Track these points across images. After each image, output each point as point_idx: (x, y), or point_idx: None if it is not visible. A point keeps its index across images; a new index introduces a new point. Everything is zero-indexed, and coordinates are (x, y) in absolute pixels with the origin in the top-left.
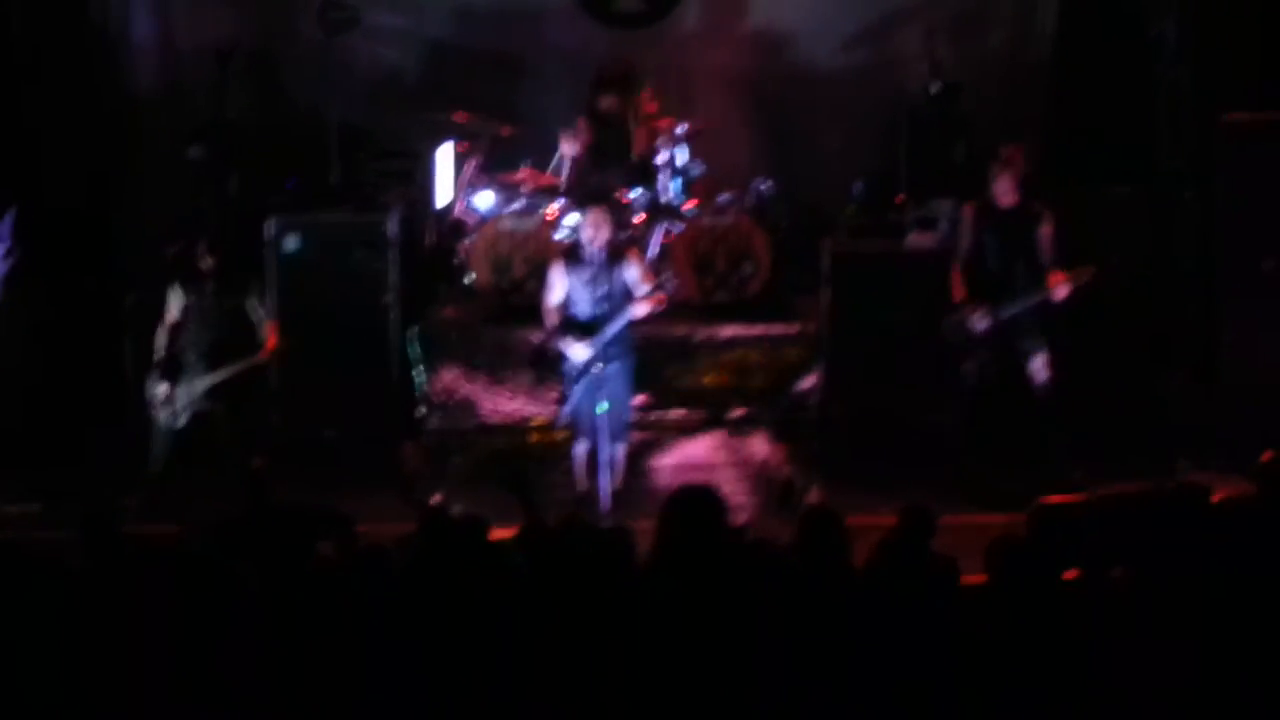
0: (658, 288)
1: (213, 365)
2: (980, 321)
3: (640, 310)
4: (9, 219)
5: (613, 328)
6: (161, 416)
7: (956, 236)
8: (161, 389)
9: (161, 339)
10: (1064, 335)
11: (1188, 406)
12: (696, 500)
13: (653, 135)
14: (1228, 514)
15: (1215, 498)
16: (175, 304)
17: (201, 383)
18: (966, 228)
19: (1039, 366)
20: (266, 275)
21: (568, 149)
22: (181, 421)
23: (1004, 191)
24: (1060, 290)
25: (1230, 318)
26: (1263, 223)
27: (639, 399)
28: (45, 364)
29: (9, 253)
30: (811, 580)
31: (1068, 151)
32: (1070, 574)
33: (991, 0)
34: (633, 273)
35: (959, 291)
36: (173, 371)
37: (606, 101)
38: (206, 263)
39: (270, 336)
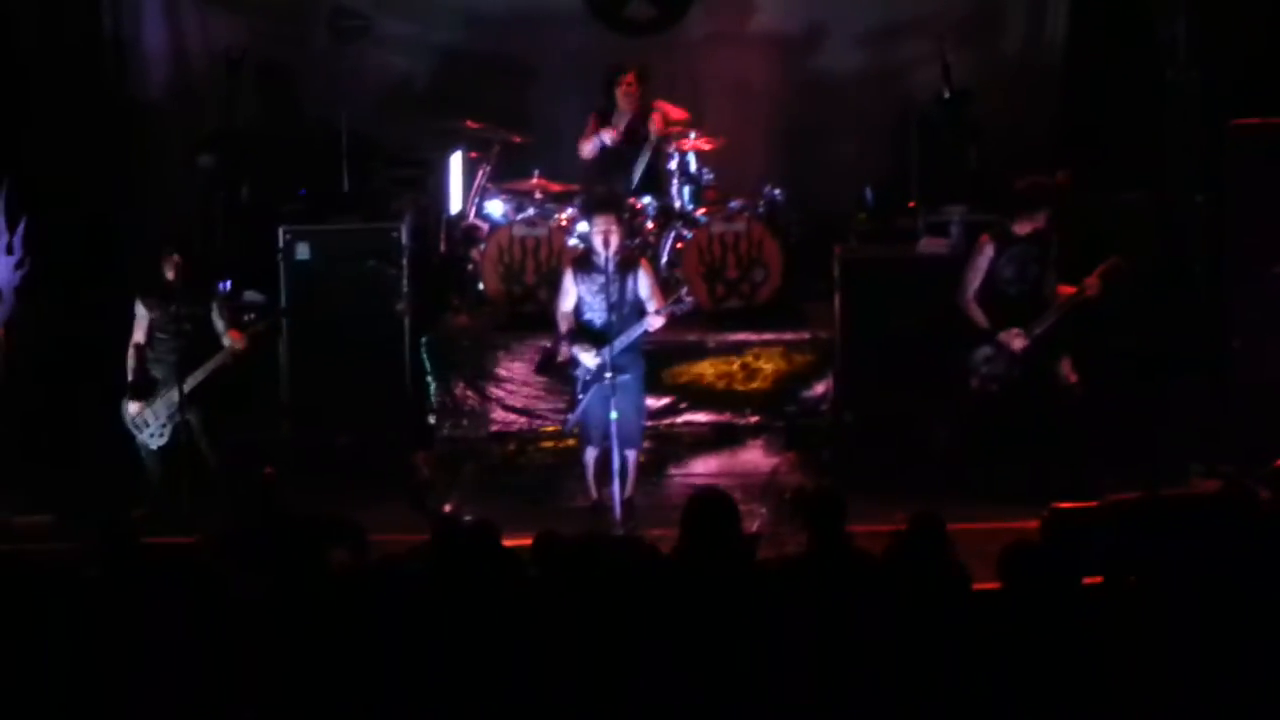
0: (676, 302)
1: (182, 375)
2: (1018, 341)
3: (654, 324)
4: (20, 229)
5: (625, 338)
6: (140, 437)
7: (967, 268)
8: (134, 411)
9: (131, 360)
10: (1076, 340)
11: (1199, 411)
12: (713, 504)
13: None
14: (1241, 520)
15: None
16: (141, 321)
17: (174, 394)
18: (984, 260)
19: (1067, 370)
20: (279, 283)
21: (607, 137)
22: (162, 438)
23: (1040, 222)
24: (1090, 283)
25: (1240, 322)
26: (1272, 227)
27: (650, 406)
28: (56, 374)
29: (21, 263)
30: (826, 585)
31: (1078, 156)
32: (1084, 580)
33: (1002, 6)
34: (644, 282)
35: (983, 322)
36: (143, 391)
37: (630, 91)
38: (171, 274)
39: (234, 335)
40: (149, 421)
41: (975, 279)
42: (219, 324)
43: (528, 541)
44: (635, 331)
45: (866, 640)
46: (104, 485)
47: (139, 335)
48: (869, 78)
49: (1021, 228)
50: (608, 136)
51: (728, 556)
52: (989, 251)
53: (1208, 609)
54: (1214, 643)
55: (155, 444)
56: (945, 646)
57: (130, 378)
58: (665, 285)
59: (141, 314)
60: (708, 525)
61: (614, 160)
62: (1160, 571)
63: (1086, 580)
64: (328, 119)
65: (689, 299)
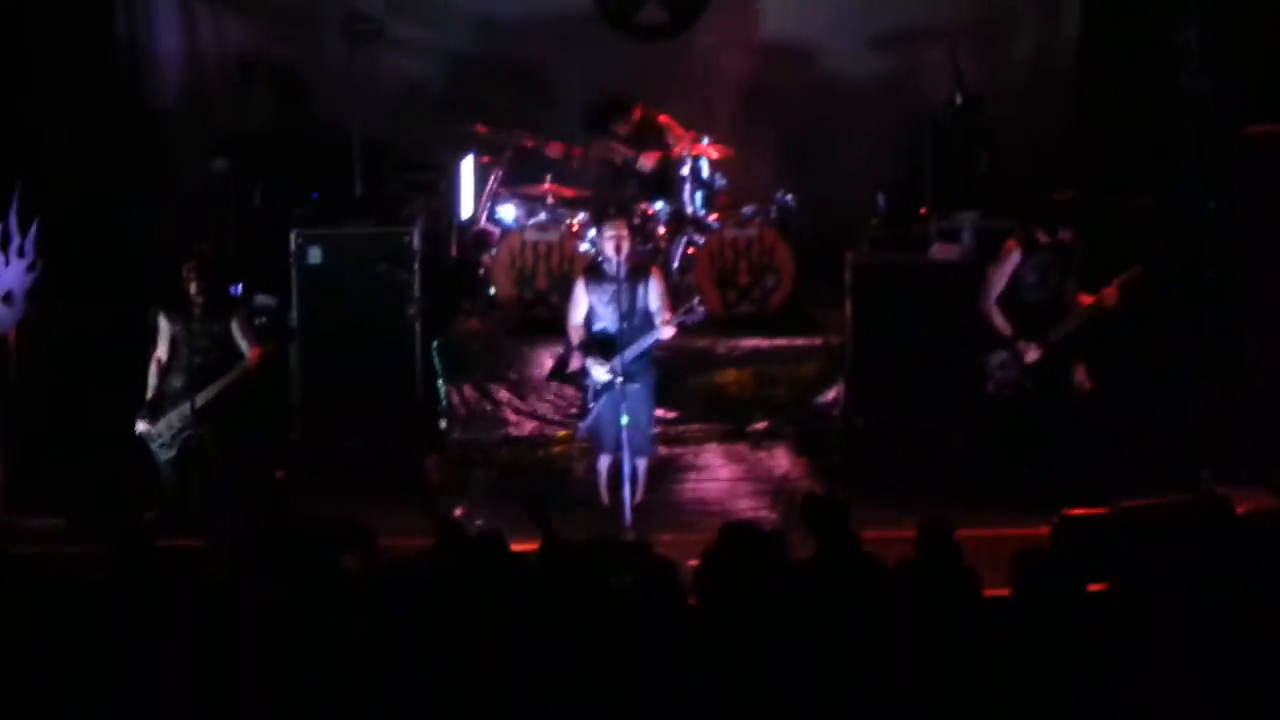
0: (687, 312)
1: (196, 390)
2: (1032, 353)
3: (665, 334)
4: (33, 232)
5: (636, 347)
6: (154, 450)
7: (992, 273)
8: (146, 425)
9: (152, 378)
10: (1091, 348)
11: (1211, 417)
12: (744, 539)
13: (670, 146)
14: (1251, 527)
15: (1238, 510)
16: (163, 335)
17: (188, 407)
18: (1010, 265)
19: (1081, 377)
20: (291, 287)
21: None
22: (171, 450)
23: (1066, 232)
24: (1109, 294)
25: (1253, 328)
26: None
27: (661, 413)
28: (67, 378)
29: (33, 266)
30: (836, 591)
31: (1090, 161)
32: (1095, 587)
33: (1014, 11)
34: (655, 291)
35: (1005, 328)
36: (159, 407)
37: (623, 130)
38: (193, 288)
39: (254, 350)
40: (160, 434)
41: (999, 284)
42: (241, 342)
43: (536, 546)
44: (646, 341)
45: (875, 645)
46: (115, 488)
47: (161, 351)
48: (881, 83)
49: (1046, 236)
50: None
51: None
52: (1015, 257)
53: (1214, 615)
54: (1221, 649)
55: (164, 456)
56: (955, 652)
57: (149, 395)
58: (678, 292)
59: (164, 329)
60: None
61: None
62: (1168, 578)
63: (1097, 587)
64: (340, 123)
65: (700, 309)
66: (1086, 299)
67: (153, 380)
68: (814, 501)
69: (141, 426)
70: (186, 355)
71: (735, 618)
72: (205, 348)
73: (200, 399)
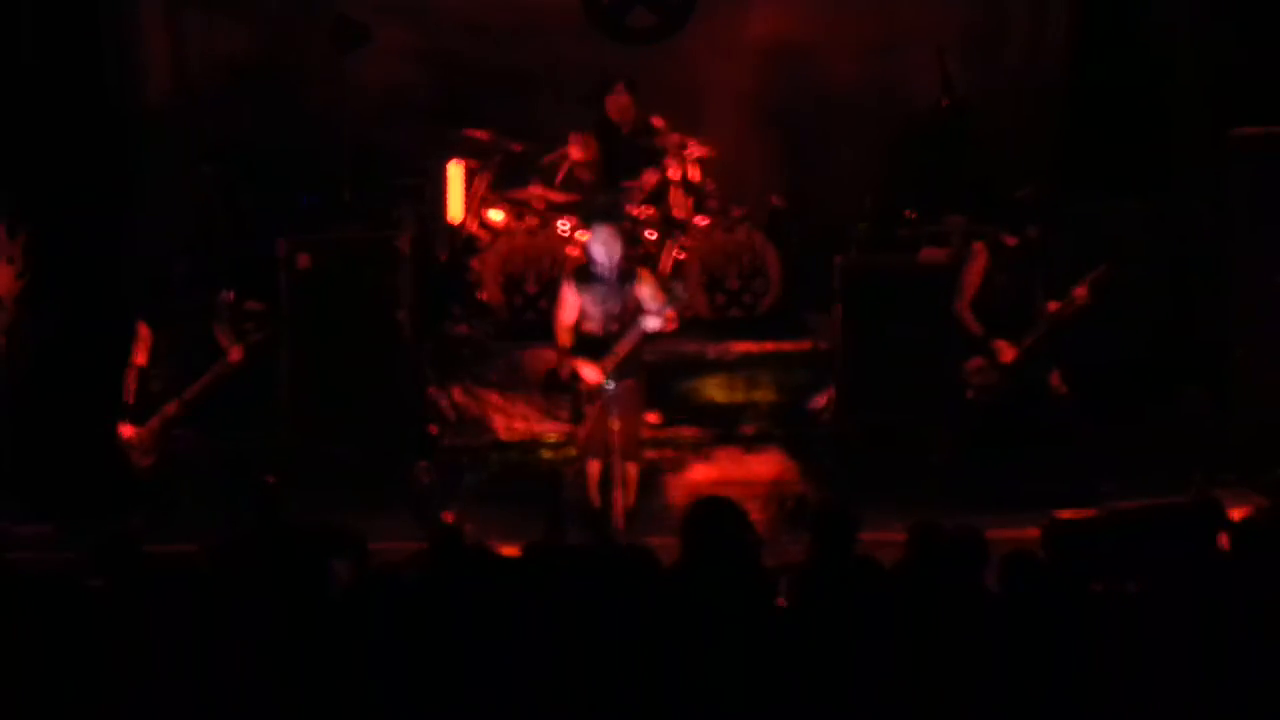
0: (672, 298)
1: (179, 391)
2: (1007, 353)
3: (653, 324)
4: (21, 238)
5: (625, 344)
6: (132, 456)
7: (963, 275)
8: (128, 430)
9: (130, 383)
10: (1076, 350)
11: (1200, 419)
12: (717, 511)
13: (662, 153)
14: (1240, 528)
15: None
16: (143, 342)
17: (171, 409)
18: (978, 268)
19: (1057, 382)
20: (280, 292)
21: (575, 153)
22: (151, 455)
23: (1031, 234)
24: (1080, 293)
25: (1243, 331)
26: (1274, 236)
27: (651, 417)
28: (56, 384)
29: (22, 273)
30: (828, 592)
31: (1080, 165)
32: (1085, 589)
33: (1003, 15)
34: (644, 290)
35: (976, 328)
36: (139, 416)
37: (620, 101)
38: (175, 294)
39: (236, 349)
40: (145, 439)
41: (970, 287)
42: (223, 342)
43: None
44: (634, 334)
45: (866, 647)
46: (103, 494)
47: (140, 357)
48: (870, 87)
49: (1013, 238)
50: (575, 153)
51: (731, 564)
52: (983, 260)
53: (1210, 618)
54: (1212, 652)
55: (145, 461)
56: (945, 655)
57: (128, 400)
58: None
59: (144, 335)
60: (711, 533)
61: (612, 169)
62: (1160, 580)
63: (1087, 589)
64: (329, 127)
65: (684, 294)
66: (1054, 305)
67: (130, 386)
68: (823, 510)
69: (124, 431)
70: (169, 360)
71: (722, 618)
72: (187, 353)
73: (183, 398)
